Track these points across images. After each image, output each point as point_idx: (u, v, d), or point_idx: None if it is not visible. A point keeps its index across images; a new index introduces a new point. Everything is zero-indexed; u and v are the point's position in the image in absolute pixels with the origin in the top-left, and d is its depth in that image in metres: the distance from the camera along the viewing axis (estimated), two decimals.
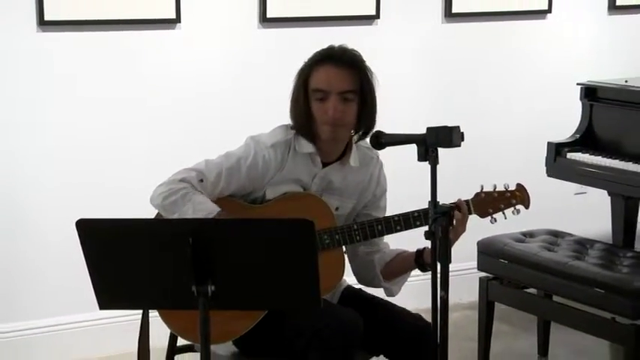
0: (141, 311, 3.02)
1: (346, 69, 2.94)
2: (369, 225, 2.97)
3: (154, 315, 2.93)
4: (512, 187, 3.05)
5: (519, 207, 3.05)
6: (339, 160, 3.03)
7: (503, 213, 3.04)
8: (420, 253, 3.02)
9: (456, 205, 2.91)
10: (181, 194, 2.88)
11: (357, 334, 2.85)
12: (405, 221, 2.96)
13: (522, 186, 3.06)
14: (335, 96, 2.92)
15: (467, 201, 2.98)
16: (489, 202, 3.02)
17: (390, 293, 3.14)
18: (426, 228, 2.61)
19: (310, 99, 2.95)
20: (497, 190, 3.03)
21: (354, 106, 2.95)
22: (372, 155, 3.09)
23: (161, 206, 2.90)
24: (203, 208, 2.85)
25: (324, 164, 3.02)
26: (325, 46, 3.04)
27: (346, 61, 2.95)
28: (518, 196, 3.04)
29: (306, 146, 2.98)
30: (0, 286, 4.14)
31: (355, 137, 3.03)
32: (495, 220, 3.05)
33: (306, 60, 3.00)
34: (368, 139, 2.98)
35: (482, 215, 3.02)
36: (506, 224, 3.12)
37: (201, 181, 2.91)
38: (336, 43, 3.03)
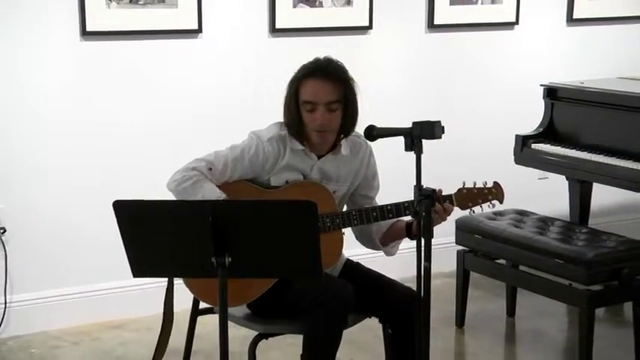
0: (166, 279, 3.01)
1: (330, 82, 2.90)
2: (366, 212, 2.95)
3: (177, 282, 2.92)
4: (490, 185, 3.02)
5: (495, 202, 3.03)
6: (331, 152, 3.01)
7: (481, 206, 3.02)
8: (409, 225, 3.02)
9: (446, 205, 2.91)
10: (193, 181, 2.87)
11: (348, 300, 2.85)
12: (397, 210, 2.94)
13: (498, 184, 3.02)
14: (322, 107, 2.89)
15: (450, 195, 2.95)
16: (469, 197, 2.99)
17: (388, 254, 3.15)
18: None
19: (301, 108, 2.93)
20: (476, 186, 3.01)
21: (338, 113, 2.93)
22: (361, 142, 3.06)
23: (175, 191, 2.89)
24: (212, 194, 2.85)
25: (319, 156, 3.01)
26: (319, 54, 3.00)
27: (330, 74, 2.92)
28: (494, 193, 3.01)
29: (298, 145, 2.97)
30: (54, 256, 4.15)
31: (341, 135, 3.01)
32: (474, 212, 3.03)
33: (296, 72, 2.96)
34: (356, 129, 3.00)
35: (463, 208, 2.99)
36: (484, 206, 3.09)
37: (210, 169, 2.90)
38: (322, 55, 2.98)
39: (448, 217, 2.94)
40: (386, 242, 3.11)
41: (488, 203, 3.02)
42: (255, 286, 2.90)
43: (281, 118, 3.02)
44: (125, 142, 4.20)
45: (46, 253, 4.13)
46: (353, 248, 3.20)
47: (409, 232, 3.02)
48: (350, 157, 3.04)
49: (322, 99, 2.89)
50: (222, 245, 2.31)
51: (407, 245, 3.09)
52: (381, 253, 3.17)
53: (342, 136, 3.01)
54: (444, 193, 2.93)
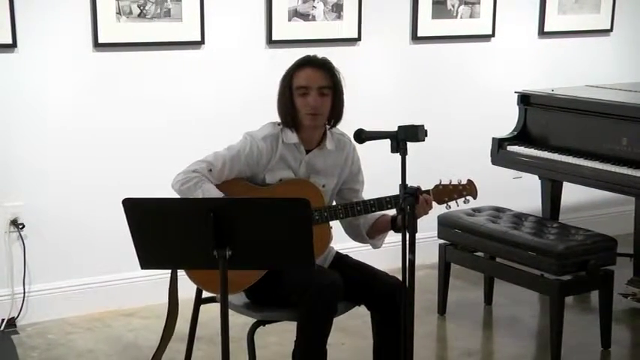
0: (170, 270, 3.00)
1: (322, 69, 2.94)
2: (350, 206, 2.94)
3: (181, 273, 2.92)
4: (464, 182, 3.02)
5: (469, 198, 3.03)
6: (318, 146, 3.01)
7: (456, 202, 3.02)
8: (394, 218, 3.01)
9: (425, 195, 2.90)
10: (194, 182, 2.86)
11: (338, 289, 2.84)
12: (379, 204, 2.94)
13: (472, 181, 3.03)
14: (315, 91, 2.91)
15: (427, 191, 2.95)
16: (445, 193, 3.00)
17: (375, 247, 3.13)
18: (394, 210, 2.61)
19: (294, 96, 2.94)
20: (452, 183, 3.01)
21: (329, 99, 2.94)
22: (346, 140, 3.07)
23: (178, 190, 2.89)
24: (211, 194, 2.85)
25: (307, 151, 3.00)
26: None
27: (321, 64, 2.96)
28: (468, 189, 3.02)
29: (291, 137, 2.96)
30: (69, 250, 4.13)
31: (328, 126, 3.02)
32: (450, 207, 3.03)
33: (289, 67, 2.99)
34: (341, 128, 3.02)
35: (439, 203, 3.00)
36: (459, 202, 3.08)
37: (210, 170, 2.90)
38: (311, 54, 3.02)
39: (430, 212, 2.93)
40: (372, 235, 3.10)
41: (463, 199, 3.02)
42: (250, 275, 2.89)
43: (277, 121, 3.01)
44: (134, 144, 4.19)
45: (61, 246, 4.12)
46: (342, 242, 3.19)
47: (394, 225, 3.02)
48: (335, 152, 3.04)
49: (314, 83, 2.91)
50: (222, 239, 2.30)
51: (393, 239, 3.08)
52: (368, 246, 3.16)
53: (328, 127, 3.01)
54: (423, 189, 2.92)
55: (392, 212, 3.01)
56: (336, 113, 2.98)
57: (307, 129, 2.97)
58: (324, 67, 2.95)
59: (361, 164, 3.14)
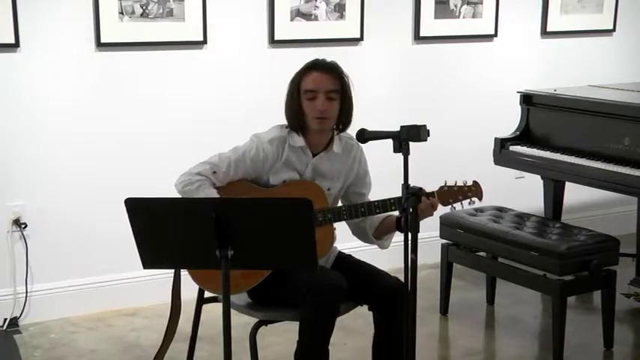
0: (173, 270, 3.00)
1: (330, 74, 2.93)
2: (354, 208, 2.94)
3: (184, 273, 2.92)
4: (470, 183, 3.01)
5: (474, 199, 3.01)
6: (325, 150, 3.00)
7: (461, 203, 3.01)
8: (399, 219, 3.00)
9: (431, 197, 2.90)
10: (196, 186, 2.86)
11: (341, 290, 2.84)
12: (383, 206, 2.93)
13: (477, 183, 3.02)
14: (322, 95, 2.90)
15: (432, 192, 2.94)
16: (451, 194, 2.98)
17: (382, 247, 3.13)
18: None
19: (302, 99, 2.93)
20: (457, 184, 2.99)
21: (336, 103, 2.93)
22: (353, 143, 3.06)
23: (181, 192, 2.89)
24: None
25: (314, 154, 3.00)
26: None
27: (329, 68, 2.95)
28: (473, 191, 3.00)
29: (298, 140, 2.96)
30: (71, 250, 4.13)
31: (336, 130, 3.01)
32: (455, 208, 3.02)
33: (297, 71, 2.99)
34: (348, 131, 3.01)
35: (444, 204, 2.99)
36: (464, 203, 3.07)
37: (215, 172, 2.90)
38: (320, 58, 3.01)
39: (435, 212, 2.93)
40: (379, 236, 3.09)
41: (468, 200, 3.00)
42: (253, 276, 2.89)
43: (280, 122, 3.01)
44: (136, 144, 4.19)
45: (63, 246, 4.12)
46: (345, 242, 3.19)
47: (399, 225, 3.01)
48: (342, 155, 3.03)
49: (322, 87, 2.91)
50: (225, 239, 2.30)
51: (395, 239, 3.08)
52: (370, 246, 3.15)
53: (336, 132, 3.00)
54: (427, 191, 2.91)
55: (397, 213, 3.00)
56: (344, 118, 2.97)
57: (314, 133, 2.96)
58: (333, 71, 2.94)
59: (368, 167, 3.12)
